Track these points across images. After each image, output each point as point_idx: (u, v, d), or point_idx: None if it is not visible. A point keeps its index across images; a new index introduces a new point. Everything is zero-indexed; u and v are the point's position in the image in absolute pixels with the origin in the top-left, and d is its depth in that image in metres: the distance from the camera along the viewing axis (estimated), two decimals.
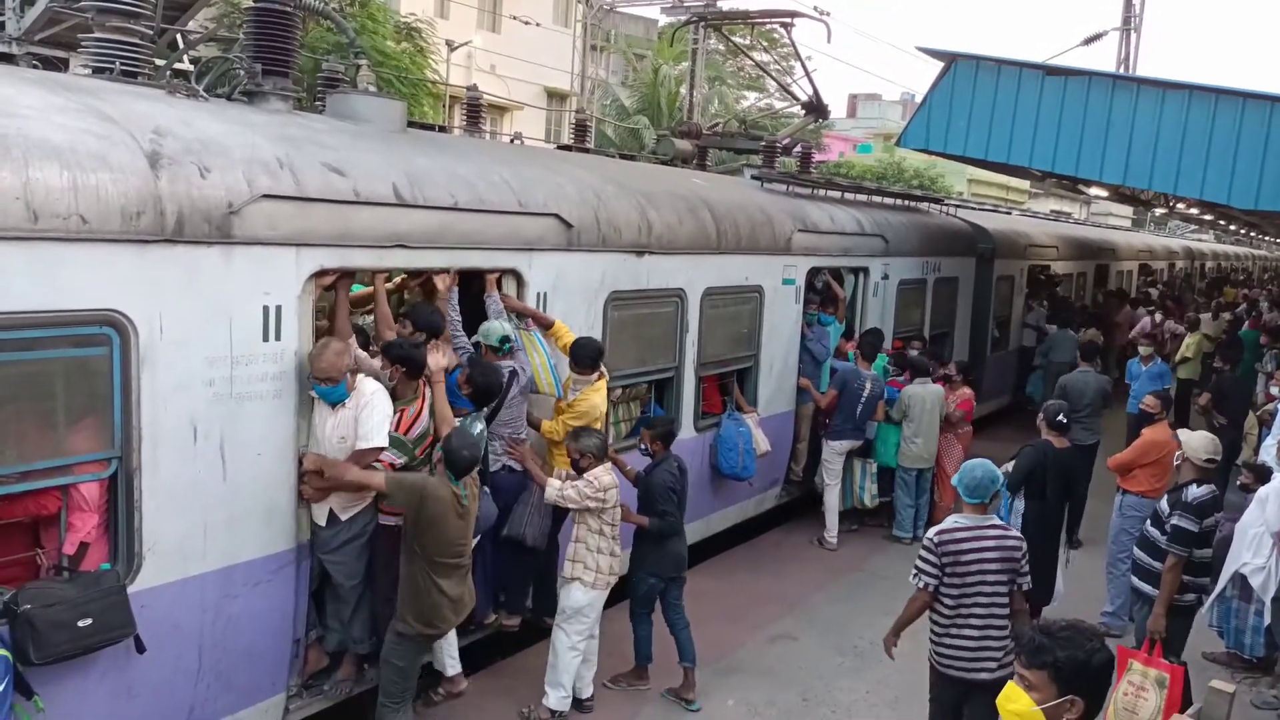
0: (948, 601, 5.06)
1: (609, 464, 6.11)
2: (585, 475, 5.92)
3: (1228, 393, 11.38)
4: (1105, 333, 15.97)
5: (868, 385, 9.47)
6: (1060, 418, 7.41)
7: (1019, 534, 5.34)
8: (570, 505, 5.95)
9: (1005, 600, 5.07)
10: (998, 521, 5.25)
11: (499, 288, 6.34)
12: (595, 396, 6.46)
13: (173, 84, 5.27)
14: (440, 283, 6.03)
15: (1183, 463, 6.35)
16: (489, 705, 6.38)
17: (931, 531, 5.16)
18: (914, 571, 5.14)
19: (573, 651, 6.08)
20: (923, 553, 5.09)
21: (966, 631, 5.06)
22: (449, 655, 5.97)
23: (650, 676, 6.72)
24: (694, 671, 6.59)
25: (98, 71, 5.20)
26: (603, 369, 6.57)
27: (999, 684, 5.13)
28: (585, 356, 6.42)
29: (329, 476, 5.14)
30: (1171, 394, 9.95)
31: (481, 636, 6.58)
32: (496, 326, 6.12)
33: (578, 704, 6.28)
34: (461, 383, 5.85)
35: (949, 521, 5.19)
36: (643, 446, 6.59)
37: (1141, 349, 12.46)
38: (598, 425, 6.49)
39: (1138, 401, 9.93)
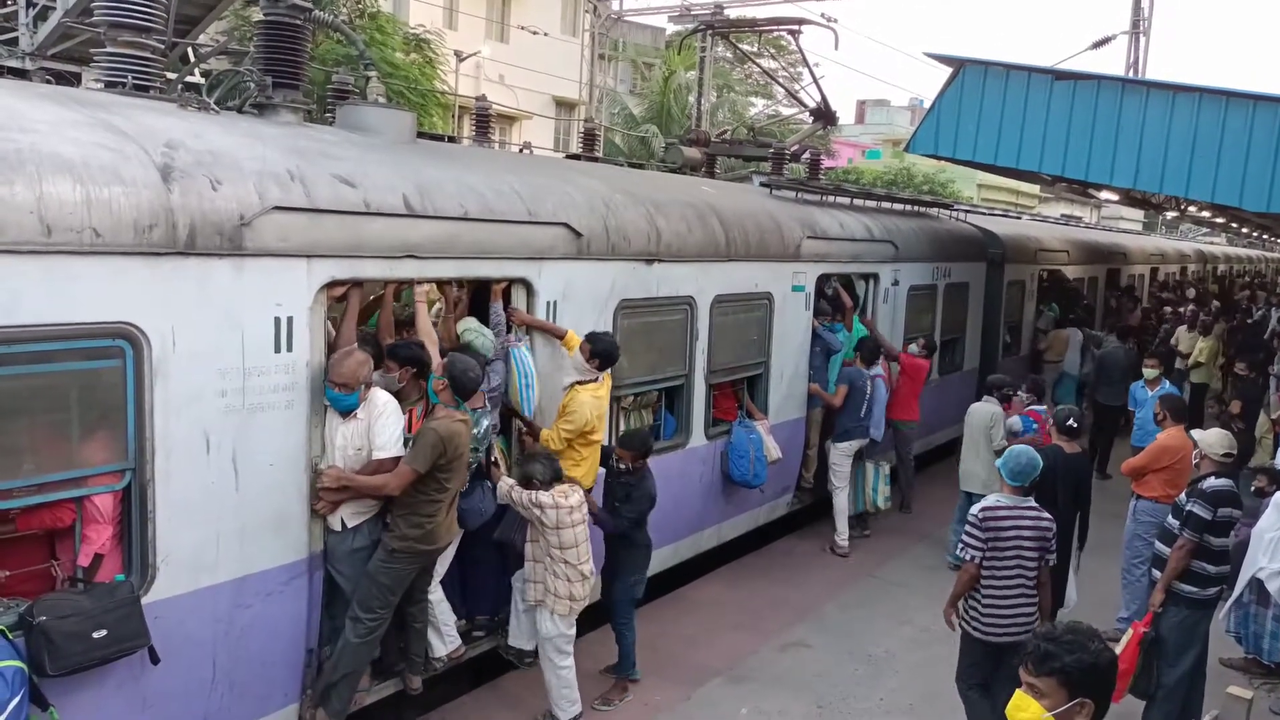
0: (985, 574, 5.60)
1: (566, 489, 5.96)
2: (533, 491, 5.89)
3: (1250, 399, 11.32)
4: (1121, 335, 15.97)
5: (869, 385, 9.55)
6: (1070, 423, 7.37)
7: (1049, 515, 5.80)
8: (516, 509, 5.97)
9: (1035, 573, 5.65)
10: (1034, 503, 5.77)
11: (508, 297, 6.36)
12: (584, 396, 6.38)
13: (184, 97, 5.31)
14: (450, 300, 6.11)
15: (1201, 460, 6.40)
16: (497, 716, 6.38)
17: (976, 509, 5.70)
18: (961, 545, 5.69)
19: (565, 670, 6.11)
20: (969, 529, 5.62)
21: (1001, 601, 5.61)
22: (448, 633, 6.09)
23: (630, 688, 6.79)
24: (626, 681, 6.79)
25: (110, 86, 5.25)
26: (599, 375, 6.52)
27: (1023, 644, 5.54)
28: (597, 345, 6.41)
29: (356, 487, 5.20)
30: (1185, 400, 9.84)
31: (484, 650, 6.57)
32: (465, 328, 6.25)
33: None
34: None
35: (992, 499, 5.73)
36: (624, 465, 6.46)
37: (1147, 370, 10.42)
38: (595, 429, 6.45)
39: (1144, 433, 9.31)
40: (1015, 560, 5.58)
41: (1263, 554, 6.54)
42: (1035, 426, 9.07)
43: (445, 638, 6.07)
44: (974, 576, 5.61)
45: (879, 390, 9.72)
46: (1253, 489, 7.46)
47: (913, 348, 10.93)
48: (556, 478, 5.99)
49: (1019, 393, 9.77)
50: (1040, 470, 5.81)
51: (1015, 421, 9.09)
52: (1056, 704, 2.89)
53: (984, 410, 9.34)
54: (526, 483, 5.92)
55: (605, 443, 6.75)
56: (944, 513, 10.87)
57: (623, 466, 6.48)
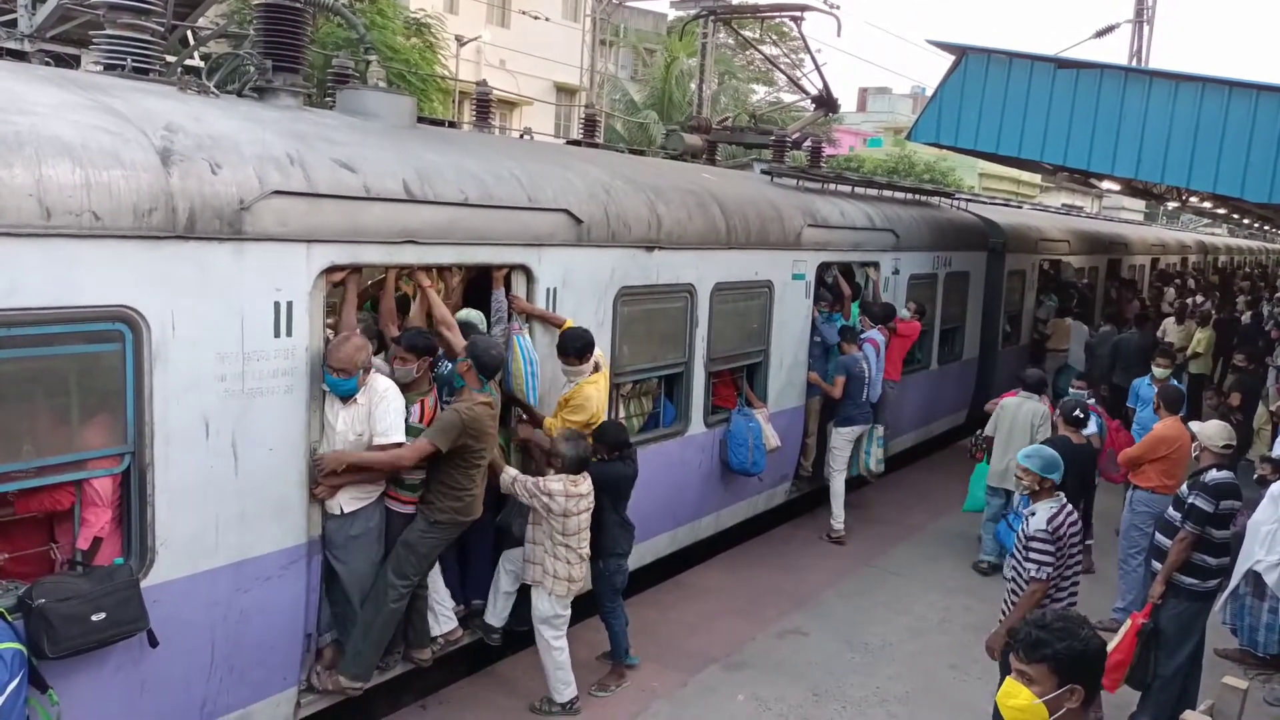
0: (1052, 585, 5.35)
1: (577, 476, 5.94)
2: (543, 478, 5.91)
3: (1250, 390, 11.37)
4: (1119, 324, 16.04)
5: (863, 367, 9.60)
6: (1077, 413, 7.38)
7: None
8: (520, 499, 5.97)
9: (1081, 566, 5.57)
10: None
11: (508, 284, 6.35)
12: (590, 389, 6.39)
13: (184, 80, 5.28)
14: (437, 284, 6.11)
15: (1201, 452, 6.38)
16: (494, 701, 6.41)
17: (1042, 523, 5.35)
18: (1035, 565, 5.30)
19: (558, 650, 6.14)
20: (1041, 545, 5.29)
21: (1065, 601, 5.37)
22: (443, 613, 6.13)
23: (627, 673, 6.79)
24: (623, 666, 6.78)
25: (109, 68, 5.22)
26: (598, 362, 6.50)
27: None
28: (570, 346, 6.33)
29: (368, 463, 5.25)
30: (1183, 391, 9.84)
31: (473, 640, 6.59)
32: (466, 316, 6.27)
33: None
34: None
35: (1048, 508, 5.42)
36: (598, 456, 6.41)
37: (1158, 369, 9.57)
38: (598, 420, 6.46)
39: (1142, 431, 9.05)
40: (1072, 561, 5.44)
41: (1259, 546, 6.56)
42: (1104, 423, 8.75)
43: (440, 618, 6.10)
44: (1043, 595, 5.30)
45: (870, 355, 9.80)
46: (1255, 478, 7.48)
47: (904, 312, 10.95)
48: (579, 466, 5.95)
49: (1070, 388, 9.62)
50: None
51: (1089, 425, 8.55)
52: (1046, 690, 2.93)
53: (1034, 407, 8.98)
54: (548, 461, 5.94)
55: None
56: (941, 503, 10.93)
57: (597, 458, 6.38)
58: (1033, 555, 5.31)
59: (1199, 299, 18.76)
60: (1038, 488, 5.53)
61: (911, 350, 11.57)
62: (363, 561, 5.43)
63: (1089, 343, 14.21)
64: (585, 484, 5.99)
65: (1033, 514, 5.48)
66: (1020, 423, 8.96)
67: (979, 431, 9.78)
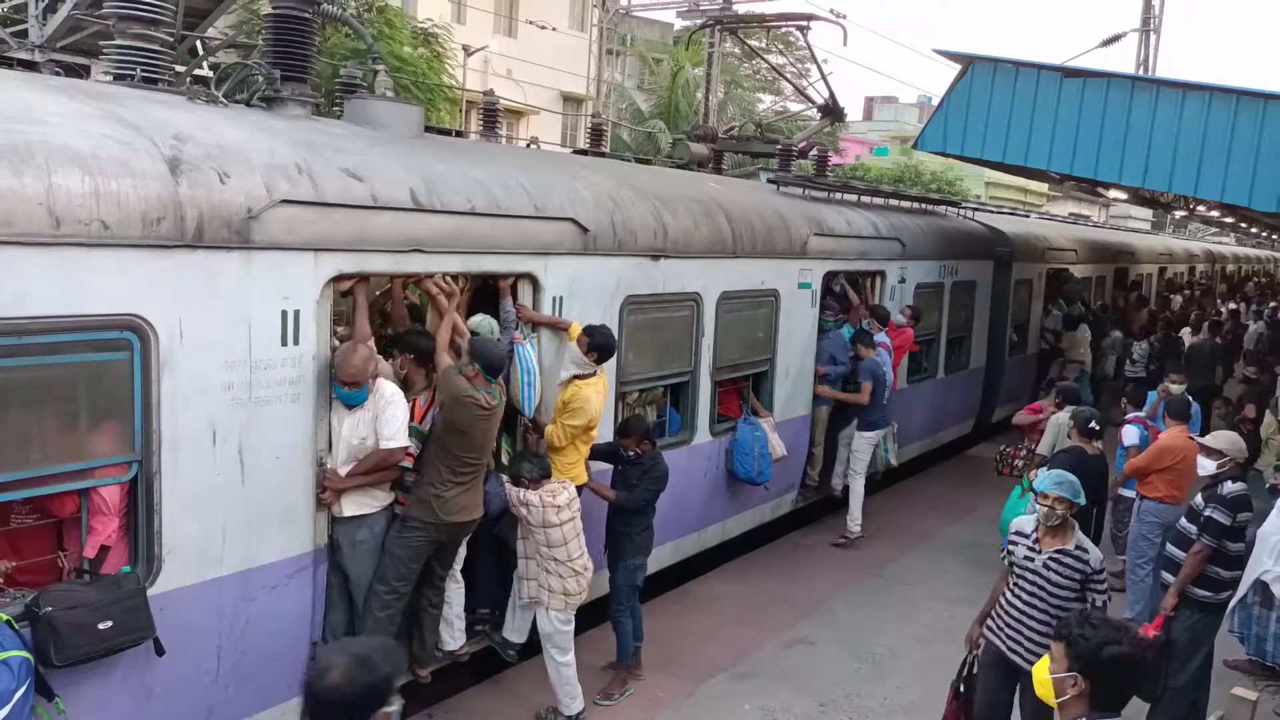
0: None
1: (555, 487, 5.93)
2: (522, 490, 5.92)
3: (1261, 401, 11.33)
4: (1126, 332, 16.02)
5: (885, 370, 9.65)
6: (1092, 424, 7.35)
7: None
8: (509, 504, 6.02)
9: None
10: None
11: (514, 292, 6.36)
12: (589, 391, 6.37)
13: (193, 90, 5.32)
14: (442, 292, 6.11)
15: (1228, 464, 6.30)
16: (500, 710, 6.39)
17: (1100, 554, 5.36)
18: (1099, 595, 5.28)
19: (565, 666, 6.12)
20: (1101, 577, 5.32)
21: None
22: (459, 628, 6.14)
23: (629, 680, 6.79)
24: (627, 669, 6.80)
25: (119, 78, 5.25)
26: (596, 368, 6.48)
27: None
28: (595, 339, 6.32)
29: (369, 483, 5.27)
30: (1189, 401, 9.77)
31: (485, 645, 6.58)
32: (479, 323, 6.29)
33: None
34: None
35: (1086, 538, 5.43)
36: (632, 453, 6.51)
37: (1173, 384, 9.26)
38: (596, 424, 6.44)
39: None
40: None
41: (1268, 556, 6.52)
42: (1149, 435, 8.62)
43: (455, 631, 6.10)
44: None
45: (882, 355, 9.85)
46: (1267, 487, 7.43)
47: (899, 318, 10.87)
48: (544, 476, 5.96)
49: (1122, 402, 9.38)
50: None
51: (1131, 433, 8.51)
52: (1058, 670, 3.18)
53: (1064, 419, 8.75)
54: (515, 481, 5.93)
55: (600, 437, 6.72)
56: (949, 512, 10.91)
57: (631, 454, 6.52)
58: (1096, 588, 5.32)
59: (1233, 305, 18.79)
60: (1071, 514, 5.45)
61: (918, 358, 11.55)
62: (368, 568, 5.43)
63: (1102, 346, 14.67)
64: (564, 494, 5.95)
65: (1085, 550, 5.35)
66: (1059, 435, 8.58)
67: (1004, 447, 9.66)
